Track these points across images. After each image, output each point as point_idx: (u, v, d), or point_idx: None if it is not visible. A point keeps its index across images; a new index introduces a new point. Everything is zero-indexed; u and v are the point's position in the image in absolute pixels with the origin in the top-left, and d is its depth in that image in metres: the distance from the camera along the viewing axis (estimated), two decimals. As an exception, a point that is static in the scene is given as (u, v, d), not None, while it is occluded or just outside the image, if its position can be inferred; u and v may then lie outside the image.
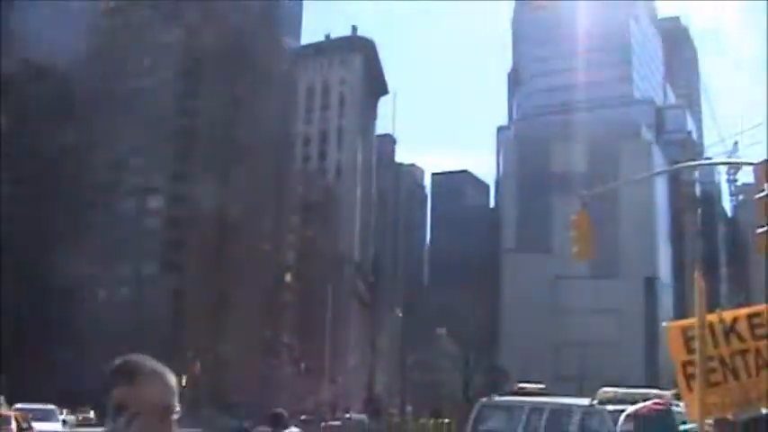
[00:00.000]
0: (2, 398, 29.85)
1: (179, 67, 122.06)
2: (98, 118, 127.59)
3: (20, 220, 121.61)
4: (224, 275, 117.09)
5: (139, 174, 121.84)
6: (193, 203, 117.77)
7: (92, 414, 75.95)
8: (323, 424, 77.99)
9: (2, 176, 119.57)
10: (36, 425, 29.71)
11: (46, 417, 33.67)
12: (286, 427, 11.69)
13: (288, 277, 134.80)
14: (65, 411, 46.83)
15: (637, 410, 8.70)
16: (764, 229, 16.75)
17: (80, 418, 71.82)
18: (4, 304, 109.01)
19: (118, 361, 2.79)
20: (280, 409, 12.51)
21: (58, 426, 34.13)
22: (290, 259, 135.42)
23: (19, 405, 34.26)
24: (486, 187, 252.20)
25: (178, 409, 2.71)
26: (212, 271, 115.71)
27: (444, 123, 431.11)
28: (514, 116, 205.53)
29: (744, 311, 9.24)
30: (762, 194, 17.02)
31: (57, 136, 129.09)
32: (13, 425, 24.95)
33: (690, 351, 8.67)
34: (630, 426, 7.51)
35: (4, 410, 26.99)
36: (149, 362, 2.76)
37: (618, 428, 7.04)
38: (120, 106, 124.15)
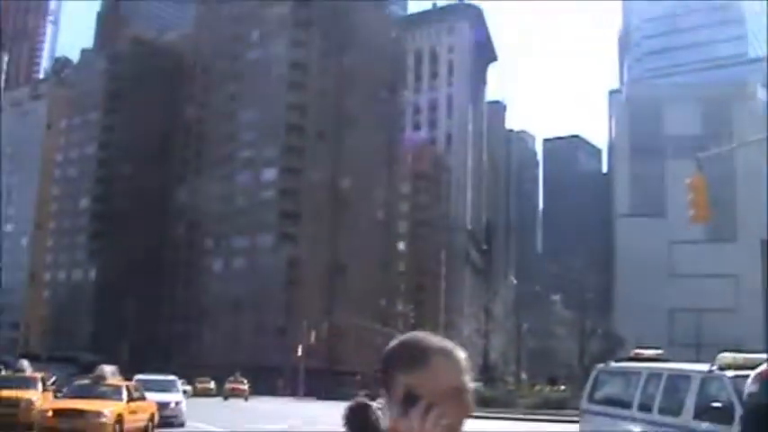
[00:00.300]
0: (116, 368, 30.09)
1: (288, 39, 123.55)
2: (211, 92, 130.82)
3: (136, 192, 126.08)
4: (338, 245, 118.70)
5: (253, 147, 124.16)
6: (306, 175, 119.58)
7: (211, 384, 77.32)
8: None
9: (117, 154, 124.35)
10: (157, 395, 30.30)
11: (167, 387, 34.01)
12: None
13: (401, 246, 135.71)
14: (183, 382, 47.58)
15: (765, 371, 8.67)
16: None
17: (198, 387, 72.89)
18: (126, 279, 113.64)
19: (401, 339, 2.44)
20: None
21: (179, 396, 34.00)
22: (402, 228, 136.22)
23: (139, 376, 35.01)
24: (599, 152, 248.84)
25: (471, 387, 2.38)
26: (326, 241, 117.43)
27: (555, 88, 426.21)
28: (626, 79, 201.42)
29: None
30: None
31: (171, 111, 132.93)
32: (125, 394, 25.51)
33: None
34: (757, 387, 7.39)
35: (116, 380, 27.70)
36: (436, 338, 2.41)
37: (745, 390, 6.93)
38: (232, 80, 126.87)
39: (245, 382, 73.21)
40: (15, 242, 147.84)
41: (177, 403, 32.75)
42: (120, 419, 23.93)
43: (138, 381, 32.36)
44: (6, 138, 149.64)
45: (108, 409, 23.84)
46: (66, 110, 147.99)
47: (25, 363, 32.35)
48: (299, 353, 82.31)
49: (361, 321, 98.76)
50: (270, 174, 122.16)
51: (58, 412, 23.68)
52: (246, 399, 67.28)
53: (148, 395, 29.58)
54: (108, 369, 29.81)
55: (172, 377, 37.82)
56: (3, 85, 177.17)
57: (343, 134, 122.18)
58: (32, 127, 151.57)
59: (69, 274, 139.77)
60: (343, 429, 2.63)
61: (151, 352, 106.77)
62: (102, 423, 23.16)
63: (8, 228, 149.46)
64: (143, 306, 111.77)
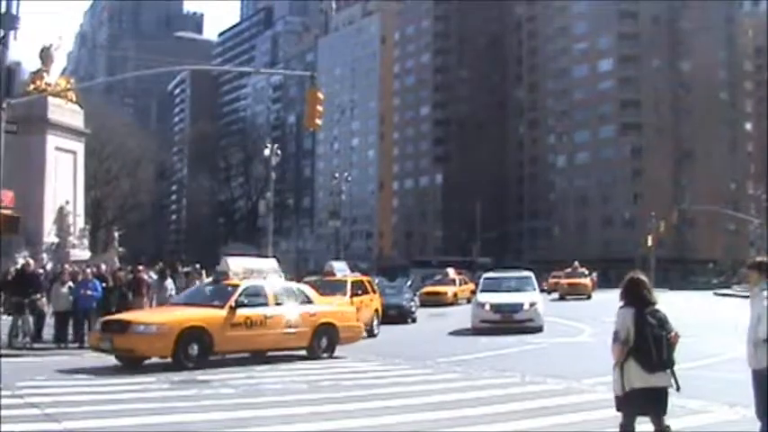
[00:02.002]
0: (344, 263, 32.28)
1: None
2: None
3: (474, 95, 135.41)
4: (681, 131, 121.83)
5: (587, 38, 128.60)
6: (644, 62, 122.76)
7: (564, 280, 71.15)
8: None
9: (452, 59, 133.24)
10: (506, 296, 30.53)
11: (519, 286, 32.15)
12: None
13: (748, 126, 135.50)
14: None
15: None
16: None
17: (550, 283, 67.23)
18: (471, 181, 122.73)
19: None
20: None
21: (534, 295, 31.32)
22: (748, 107, 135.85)
23: (488, 274, 35.26)
24: None
25: None
26: (669, 127, 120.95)
27: None
28: None
29: None
30: None
31: (501, 11, 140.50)
32: (348, 289, 29.00)
33: None
34: None
35: (343, 276, 30.26)
36: None
37: None
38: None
39: (586, 273, 62.45)
40: (363, 155, 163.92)
41: (532, 304, 30.42)
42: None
43: (487, 279, 33.39)
44: (345, 55, 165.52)
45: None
46: (397, 22, 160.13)
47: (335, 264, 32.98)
48: (649, 243, 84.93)
49: (710, 207, 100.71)
50: (606, 64, 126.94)
51: None
52: (589, 296, 56.85)
53: (497, 296, 30.40)
54: (336, 265, 32.34)
55: (526, 274, 34.79)
56: (334, 5, 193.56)
57: (677, 16, 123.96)
58: (367, 43, 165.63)
59: (416, 181, 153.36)
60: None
61: (501, 251, 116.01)
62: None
63: (355, 142, 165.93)
64: (490, 206, 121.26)
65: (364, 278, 33.43)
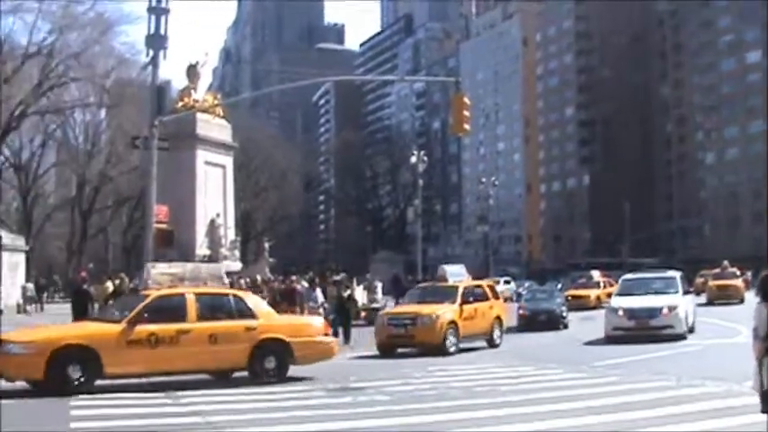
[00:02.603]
0: (461, 267, 31.48)
1: None
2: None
3: (618, 94, 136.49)
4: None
5: (733, 30, 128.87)
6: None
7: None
8: None
9: (595, 59, 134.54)
10: (643, 299, 28.61)
11: (661, 288, 29.90)
12: None
13: None
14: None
15: None
16: None
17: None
18: (619, 181, 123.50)
19: None
20: None
21: (676, 298, 28.72)
22: None
23: (628, 276, 33.47)
24: None
25: None
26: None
27: None
28: None
29: None
30: None
31: (643, 8, 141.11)
32: (459, 296, 27.45)
33: None
34: None
35: (457, 281, 28.91)
36: None
37: None
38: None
39: (738, 274, 54.92)
40: (508, 159, 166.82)
41: (671, 309, 27.87)
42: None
43: (625, 281, 31.91)
44: (487, 59, 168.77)
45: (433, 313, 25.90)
46: (538, 23, 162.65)
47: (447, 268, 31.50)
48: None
49: None
50: (754, 56, 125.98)
51: (393, 317, 27.41)
52: (742, 299, 48.67)
53: (633, 300, 28.45)
54: (450, 269, 30.63)
55: (670, 274, 32.06)
56: (474, 10, 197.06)
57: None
58: (508, 46, 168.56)
59: (563, 183, 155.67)
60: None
61: (652, 251, 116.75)
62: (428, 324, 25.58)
63: (500, 145, 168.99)
64: (638, 206, 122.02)
65: (484, 283, 32.36)
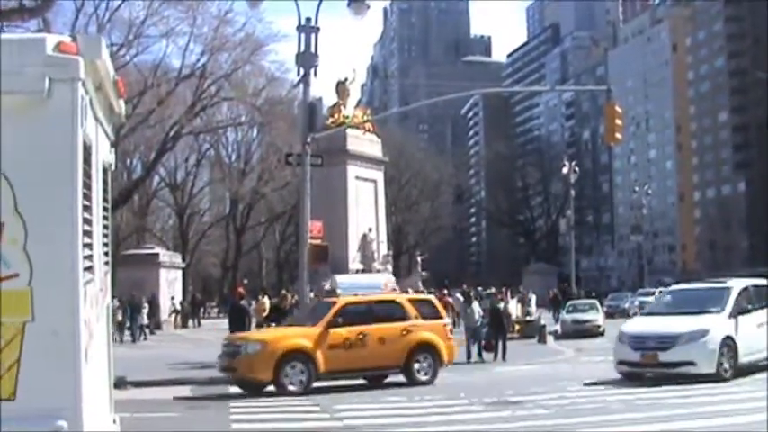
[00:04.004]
0: (352, 278, 30.01)
1: None
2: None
3: None
4: None
5: None
6: None
7: None
8: None
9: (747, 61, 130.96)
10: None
11: (707, 305, 21.89)
12: None
13: None
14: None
15: None
16: None
17: None
18: None
19: None
20: None
21: (717, 319, 20.90)
22: None
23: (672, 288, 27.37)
24: None
25: None
26: None
27: None
28: None
29: None
30: None
31: None
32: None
33: None
34: None
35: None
36: None
37: None
38: None
39: None
40: (661, 167, 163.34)
41: (695, 336, 19.50)
42: None
43: (665, 295, 26.49)
44: (636, 66, 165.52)
45: None
46: (688, 27, 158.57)
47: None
48: None
49: None
50: None
51: None
52: None
53: (652, 322, 21.39)
54: (342, 280, 26.83)
55: (725, 285, 22.45)
56: (622, 16, 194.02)
57: None
58: (658, 51, 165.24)
59: (718, 189, 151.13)
60: None
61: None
62: None
63: (652, 153, 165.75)
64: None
65: (403, 297, 24.23)
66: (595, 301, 50.03)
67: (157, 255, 56.28)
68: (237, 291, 35.28)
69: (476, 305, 32.38)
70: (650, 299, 53.00)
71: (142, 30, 53.96)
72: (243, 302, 29.73)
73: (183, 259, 67.02)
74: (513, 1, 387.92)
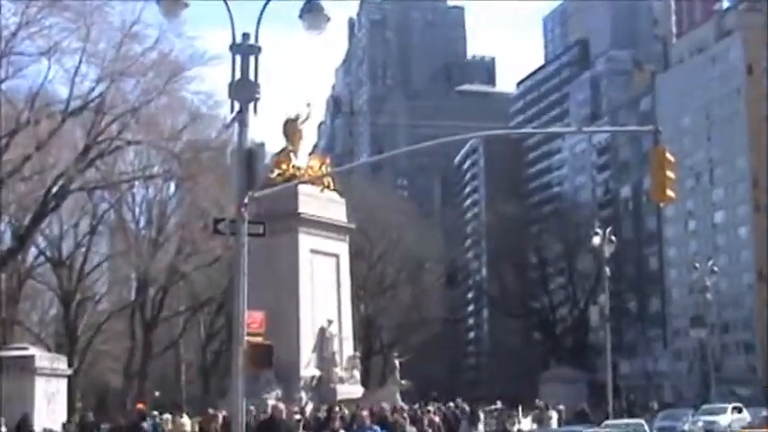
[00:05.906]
0: None
1: None
2: None
3: None
4: None
5: None
6: None
7: None
8: None
9: None
10: None
11: None
12: None
13: None
14: None
15: None
16: None
17: None
18: None
19: None
20: None
21: None
22: None
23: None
24: None
25: None
26: None
27: None
28: None
29: None
30: None
31: None
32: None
33: None
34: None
35: None
36: None
37: None
38: None
39: None
40: (731, 235, 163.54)
41: None
42: None
43: None
44: (695, 96, 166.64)
45: None
46: (760, 43, 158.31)
47: None
48: None
49: None
50: None
51: None
52: None
53: None
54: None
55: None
56: (674, 29, 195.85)
57: None
58: (725, 76, 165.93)
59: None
60: None
61: None
62: None
63: (718, 217, 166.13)
64: None
65: None
66: (642, 422, 49.80)
67: (32, 358, 55.37)
68: (137, 408, 34.87)
69: (482, 428, 32.83)
70: (721, 419, 52.99)
71: (14, 44, 53.30)
72: (145, 425, 29.35)
73: (70, 364, 65.72)
74: (525, 8, 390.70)
